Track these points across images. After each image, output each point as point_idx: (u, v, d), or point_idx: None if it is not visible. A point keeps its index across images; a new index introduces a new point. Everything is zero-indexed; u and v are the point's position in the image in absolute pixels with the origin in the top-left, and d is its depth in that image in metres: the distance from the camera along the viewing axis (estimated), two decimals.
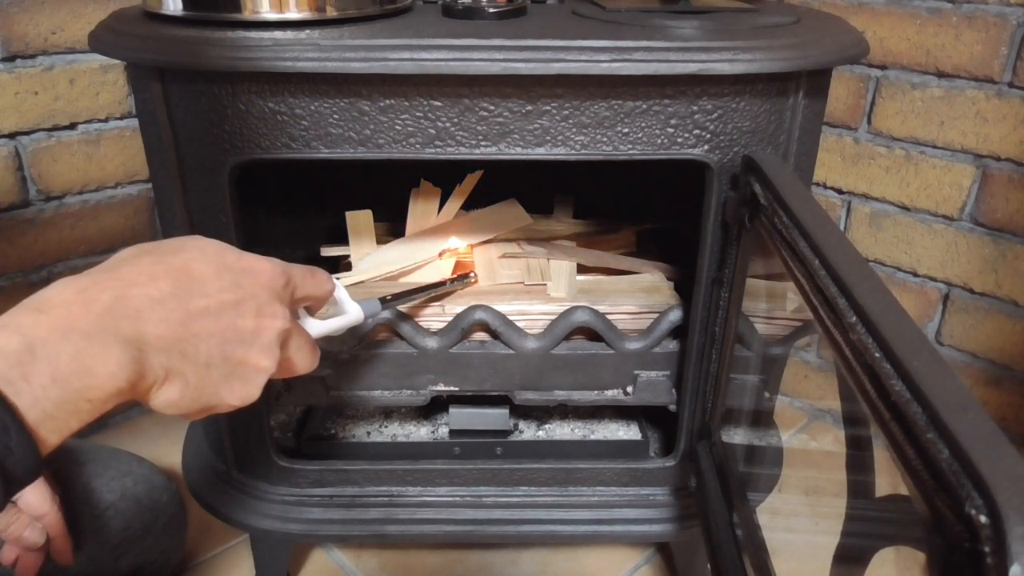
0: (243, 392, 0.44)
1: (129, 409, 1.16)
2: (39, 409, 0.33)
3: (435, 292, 0.76)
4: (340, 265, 0.87)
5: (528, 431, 0.86)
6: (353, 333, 0.74)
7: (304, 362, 0.49)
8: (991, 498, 0.26)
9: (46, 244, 1.00)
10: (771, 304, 0.73)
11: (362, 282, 0.81)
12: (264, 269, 0.44)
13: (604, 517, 0.80)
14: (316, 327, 0.53)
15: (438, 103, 0.60)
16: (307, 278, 0.49)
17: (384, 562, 0.92)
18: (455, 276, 0.80)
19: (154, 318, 0.38)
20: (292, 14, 0.60)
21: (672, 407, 0.77)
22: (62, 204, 1.00)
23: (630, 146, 0.62)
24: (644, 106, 0.61)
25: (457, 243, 0.86)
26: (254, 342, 0.43)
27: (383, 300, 0.64)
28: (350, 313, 0.57)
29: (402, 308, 0.75)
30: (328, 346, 0.74)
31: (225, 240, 0.65)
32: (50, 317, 0.35)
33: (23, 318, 0.35)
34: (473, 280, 0.81)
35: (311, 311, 0.53)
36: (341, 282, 0.80)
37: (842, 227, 1.08)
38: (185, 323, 0.39)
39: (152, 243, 0.43)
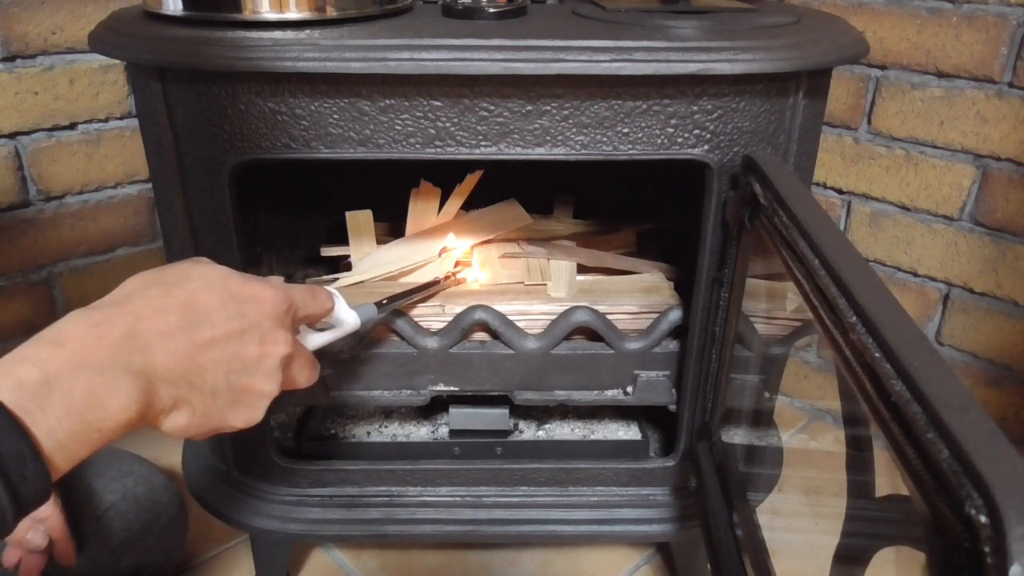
0: (247, 416, 0.46)
1: None
2: (53, 439, 0.35)
3: (429, 292, 0.76)
4: (340, 265, 0.87)
5: (528, 431, 0.86)
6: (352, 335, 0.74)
7: (305, 379, 0.51)
8: (991, 498, 0.26)
9: (46, 244, 1.00)
10: (771, 304, 0.73)
11: (362, 282, 0.81)
12: (267, 296, 0.46)
13: (604, 517, 0.80)
14: (315, 340, 0.55)
15: (438, 103, 0.60)
16: (308, 300, 0.51)
17: (384, 562, 0.92)
18: (446, 275, 0.80)
19: (163, 351, 0.40)
20: (292, 14, 0.60)
21: (672, 407, 0.77)
22: (62, 204, 1.00)
23: (630, 146, 0.62)
24: (644, 106, 0.61)
25: (457, 243, 0.86)
26: (257, 369, 0.45)
27: (379, 304, 0.64)
28: (348, 322, 0.57)
29: (402, 309, 0.75)
30: (328, 347, 0.74)
31: (225, 241, 0.66)
32: (66, 351, 0.36)
33: (41, 351, 0.36)
34: (462, 278, 0.80)
35: (310, 324, 0.54)
36: (339, 283, 0.80)
37: (842, 227, 1.08)
38: (192, 355, 0.41)
39: (158, 271, 0.44)
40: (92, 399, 0.36)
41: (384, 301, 0.67)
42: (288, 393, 0.76)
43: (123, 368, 0.38)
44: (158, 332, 0.40)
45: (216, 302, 0.43)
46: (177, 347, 0.40)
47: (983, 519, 0.26)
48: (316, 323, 0.54)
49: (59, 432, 0.35)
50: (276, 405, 0.80)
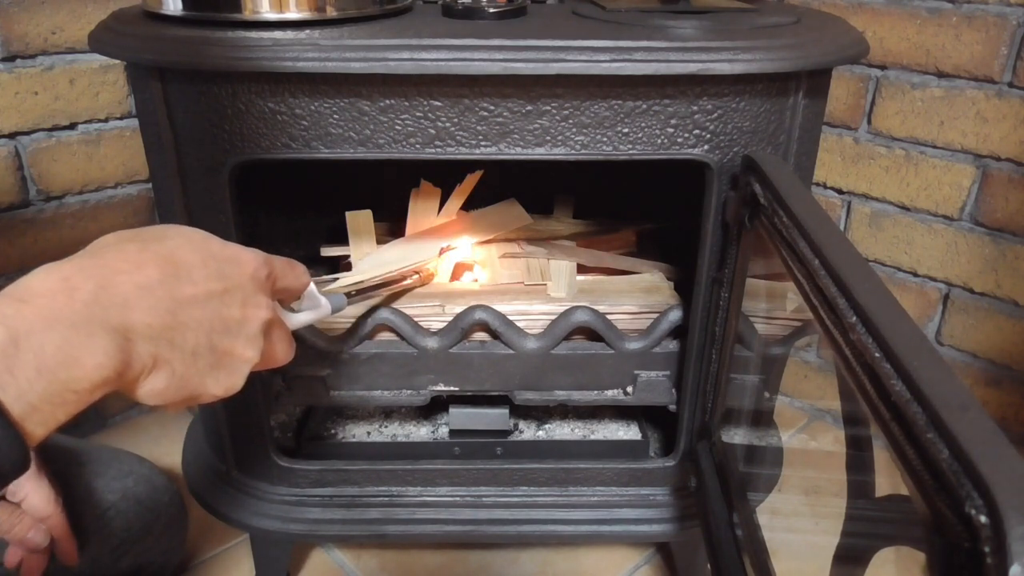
0: (228, 382, 0.43)
1: (129, 409, 1.16)
2: (24, 402, 0.32)
3: (398, 287, 0.76)
4: (340, 265, 0.87)
5: (528, 431, 0.86)
6: (354, 333, 0.74)
7: (283, 353, 0.49)
8: (991, 498, 0.26)
9: (46, 244, 1.00)
10: (771, 304, 0.73)
11: (362, 281, 0.81)
12: (248, 259, 0.44)
13: (604, 517, 0.80)
14: (290, 320, 0.54)
15: (438, 103, 0.60)
16: (287, 270, 0.49)
17: (384, 562, 0.92)
18: (415, 269, 0.80)
19: (142, 306, 0.37)
20: (292, 14, 0.60)
21: (672, 407, 0.77)
22: (62, 204, 1.00)
23: (630, 146, 0.62)
24: (644, 106, 0.61)
25: (457, 243, 0.86)
26: (240, 332, 0.43)
27: (348, 295, 0.64)
28: (321, 307, 0.57)
29: (400, 307, 0.75)
30: (329, 346, 0.74)
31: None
32: (33, 307, 0.34)
33: (5, 308, 0.33)
34: (430, 275, 0.80)
35: (282, 303, 0.54)
36: (339, 283, 0.80)
37: (842, 227, 1.08)
38: (173, 311, 0.39)
39: (133, 230, 0.42)
40: (65, 357, 0.33)
41: (353, 292, 0.67)
42: (288, 391, 0.77)
43: (98, 323, 0.35)
44: (136, 286, 0.37)
45: (197, 259, 0.41)
46: (157, 302, 0.38)
47: (983, 519, 0.26)
48: (291, 300, 0.54)
49: (30, 395, 0.32)
50: (276, 401, 0.80)
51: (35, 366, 0.33)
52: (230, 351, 0.43)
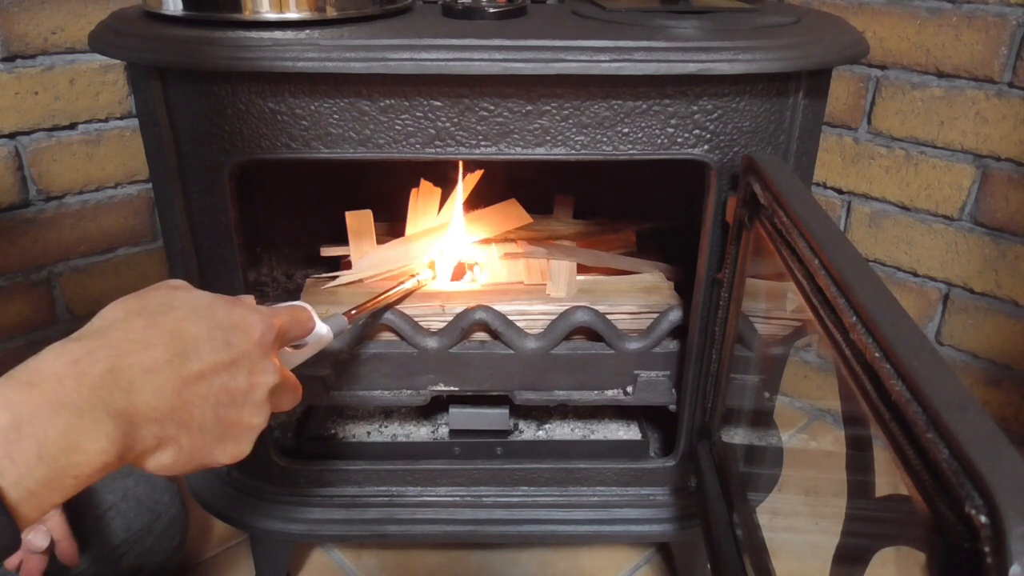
0: (235, 451, 0.44)
1: None
2: (22, 487, 0.32)
3: (393, 297, 0.75)
4: (340, 265, 0.87)
5: (528, 431, 0.86)
6: (354, 333, 0.74)
7: (289, 403, 0.50)
8: (991, 498, 0.26)
9: (46, 244, 1.00)
10: (771, 304, 0.73)
11: (361, 281, 0.81)
12: (254, 324, 0.44)
13: (604, 517, 0.80)
14: (293, 359, 0.54)
15: (438, 103, 0.60)
16: (294, 324, 0.50)
17: (384, 562, 0.92)
18: (408, 278, 0.79)
19: (148, 389, 0.38)
20: (292, 14, 0.60)
21: (672, 407, 0.77)
22: (62, 204, 1.00)
23: (630, 146, 0.62)
24: (644, 106, 0.61)
25: (457, 243, 0.86)
26: (246, 402, 0.43)
27: (347, 314, 0.64)
28: (322, 336, 0.57)
29: (400, 307, 0.75)
30: (327, 347, 0.74)
31: (226, 241, 0.66)
32: (40, 392, 0.34)
33: (12, 393, 0.34)
34: (427, 280, 0.80)
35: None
36: (339, 282, 0.80)
37: (842, 227, 1.08)
38: (180, 391, 0.39)
39: (138, 298, 0.42)
40: (67, 443, 0.33)
41: (353, 311, 0.67)
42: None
43: (103, 409, 0.35)
44: (143, 368, 0.38)
45: (203, 332, 0.41)
46: (163, 384, 0.38)
47: (983, 519, 0.26)
48: (294, 342, 0.54)
49: (29, 480, 0.32)
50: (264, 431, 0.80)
51: (36, 452, 0.33)
52: (237, 421, 0.43)
